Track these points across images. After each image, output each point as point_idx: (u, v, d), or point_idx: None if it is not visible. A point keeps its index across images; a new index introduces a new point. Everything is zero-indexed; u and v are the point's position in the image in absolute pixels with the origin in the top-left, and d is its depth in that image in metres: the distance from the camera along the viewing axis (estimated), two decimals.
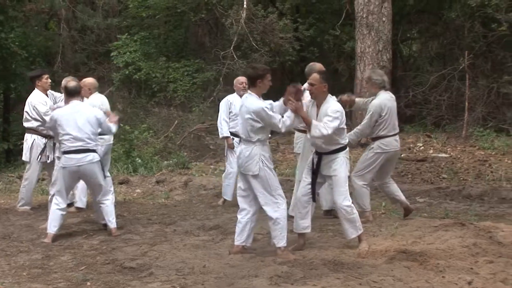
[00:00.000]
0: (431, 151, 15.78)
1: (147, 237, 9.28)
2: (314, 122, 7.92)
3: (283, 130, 7.91)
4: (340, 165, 8.06)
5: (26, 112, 11.36)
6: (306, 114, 8.01)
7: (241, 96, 10.51)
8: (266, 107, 7.80)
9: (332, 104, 8.06)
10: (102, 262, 7.91)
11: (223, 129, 11.71)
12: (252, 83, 7.98)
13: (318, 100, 8.15)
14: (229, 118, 11.69)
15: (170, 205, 12.36)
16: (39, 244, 9.00)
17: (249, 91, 8.00)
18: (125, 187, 13.95)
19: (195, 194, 13.24)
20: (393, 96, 9.89)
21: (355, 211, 8.12)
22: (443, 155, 15.34)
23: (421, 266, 7.13)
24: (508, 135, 16.21)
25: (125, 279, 7.12)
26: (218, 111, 11.99)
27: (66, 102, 9.57)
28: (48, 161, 11.22)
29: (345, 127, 8.16)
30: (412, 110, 18.18)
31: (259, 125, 7.80)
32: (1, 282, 7.10)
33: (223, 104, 11.78)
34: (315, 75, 8.20)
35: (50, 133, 10.50)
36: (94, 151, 9.28)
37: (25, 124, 11.46)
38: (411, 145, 16.15)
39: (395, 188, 10.02)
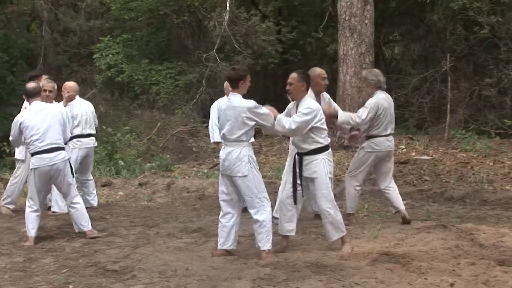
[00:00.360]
0: (413, 154, 15.83)
1: (129, 240, 9.25)
2: (279, 116, 7.92)
3: (279, 129, 7.90)
4: (320, 167, 8.02)
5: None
6: (273, 109, 8.04)
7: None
8: (256, 103, 7.85)
9: (307, 102, 8.07)
10: (85, 264, 7.87)
11: (215, 134, 11.33)
12: (235, 85, 7.96)
13: (297, 99, 8.17)
14: None
15: (152, 207, 12.33)
16: (20, 246, 8.96)
17: (231, 93, 7.99)
18: (108, 190, 13.91)
19: (178, 196, 13.21)
20: (390, 97, 9.90)
21: (338, 213, 8.09)
22: (425, 157, 15.40)
23: (404, 268, 7.15)
24: (490, 138, 16.28)
25: (108, 281, 7.09)
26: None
27: (28, 103, 9.56)
28: None
29: (324, 127, 8.11)
30: (395, 113, 18.14)
31: (252, 123, 7.81)
32: None
33: (213, 108, 11.29)
34: (294, 74, 8.21)
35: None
36: (63, 149, 9.31)
37: None
38: (394, 148, 16.19)
39: (395, 196, 9.90)
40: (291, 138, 8.57)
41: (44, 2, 24.52)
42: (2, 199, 11.63)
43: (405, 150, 16.21)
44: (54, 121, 9.19)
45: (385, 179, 9.91)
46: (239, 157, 7.81)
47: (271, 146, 17.27)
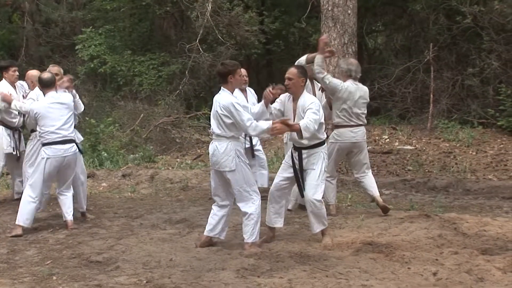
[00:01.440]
0: (396, 144, 15.87)
1: (113, 231, 9.25)
2: (301, 123, 7.76)
3: (251, 131, 7.82)
4: (319, 160, 8.05)
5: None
6: (293, 125, 7.84)
7: (242, 89, 10.41)
8: (237, 103, 7.79)
9: (309, 98, 8.08)
10: (68, 256, 7.86)
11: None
12: (224, 80, 7.95)
13: (296, 94, 8.13)
14: None
15: (136, 198, 12.32)
16: (4, 238, 8.94)
17: (222, 88, 7.98)
18: (91, 181, 13.85)
19: (162, 187, 13.20)
20: (361, 88, 9.75)
21: (323, 207, 8.11)
22: (409, 147, 15.44)
23: (387, 258, 7.18)
24: (472, 127, 16.34)
25: (92, 273, 7.08)
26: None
27: (44, 93, 9.59)
28: (14, 153, 11.11)
29: (323, 121, 8.15)
30: (378, 103, 18.22)
31: (229, 120, 7.78)
32: None
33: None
34: (293, 69, 8.20)
35: (15, 124, 10.44)
36: (75, 141, 9.47)
37: None
38: (377, 138, 16.23)
39: (368, 183, 9.88)
40: (289, 135, 8.50)
41: None
42: None
43: (388, 140, 16.25)
44: (68, 112, 9.38)
45: (359, 169, 9.94)
46: (226, 151, 7.82)
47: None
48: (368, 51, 23.82)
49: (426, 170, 13.59)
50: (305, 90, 8.20)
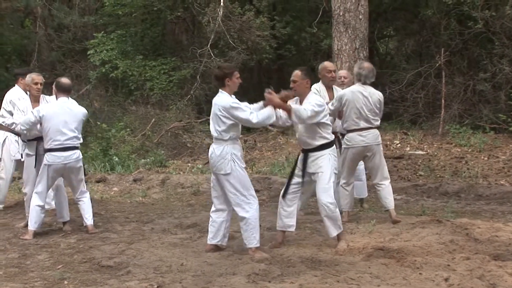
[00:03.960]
0: (408, 149, 15.84)
1: (124, 236, 9.26)
2: (293, 106, 7.91)
3: (254, 121, 7.79)
4: (326, 162, 8.05)
5: (3, 108, 11.30)
6: (281, 102, 7.95)
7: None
8: (234, 101, 7.82)
9: (314, 97, 8.10)
10: (80, 260, 7.87)
11: None
12: (221, 83, 7.96)
13: (301, 96, 8.17)
14: None
15: (147, 203, 12.33)
16: (15, 243, 8.95)
17: (220, 90, 7.99)
18: (102, 186, 13.91)
19: (173, 192, 13.21)
20: (369, 91, 9.59)
21: (337, 209, 8.11)
22: (420, 152, 15.41)
23: (398, 263, 7.16)
24: (484, 132, 16.29)
25: (103, 277, 7.08)
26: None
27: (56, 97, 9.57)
28: (22, 159, 11.14)
29: (329, 123, 8.16)
30: (389, 108, 18.19)
31: (230, 122, 7.79)
32: None
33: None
34: (297, 72, 8.24)
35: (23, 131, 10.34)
36: (78, 148, 9.38)
37: None
38: (388, 143, 16.19)
39: (384, 194, 9.73)
40: (297, 135, 8.51)
41: None
42: None
43: (399, 145, 16.22)
44: (74, 120, 9.28)
45: (375, 175, 9.82)
46: (222, 154, 7.83)
47: (266, 142, 17.26)
48: (379, 56, 23.84)
49: (438, 175, 13.54)
50: (311, 92, 8.21)
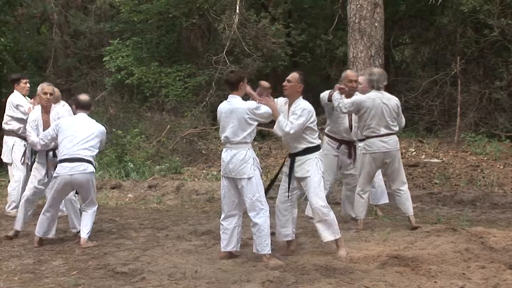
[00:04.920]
0: (423, 156, 15.80)
1: (139, 242, 9.26)
2: (280, 118, 7.97)
3: (270, 112, 7.94)
4: (313, 166, 8.03)
5: (9, 115, 11.41)
6: (276, 106, 8.06)
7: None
8: (254, 102, 7.97)
9: (301, 103, 8.09)
10: (94, 267, 7.88)
11: None
12: (235, 87, 8.04)
13: (291, 98, 8.21)
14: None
15: (162, 210, 12.35)
16: (30, 248, 8.97)
17: (231, 95, 8.04)
18: (117, 192, 13.94)
19: (187, 199, 13.23)
20: (387, 97, 9.68)
21: (331, 213, 8.05)
22: (435, 160, 15.36)
23: (413, 272, 7.13)
24: (500, 141, 16.24)
25: (117, 284, 7.09)
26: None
27: (75, 112, 9.59)
28: (30, 164, 11.19)
29: (316, 128, 8.13)
30: (404, 116, 18.11)
31: (255, 123, 7.89)
32: None
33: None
34: (294, 74, 8.27)
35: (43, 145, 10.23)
36: (89, 161, 9.12)
37: (5, 127, 11.50)
38: (403, 150, 16.14)
39: (403, 200, 9.76)
40: (283, 138, 8.50)
41: (54, 5, 24.60)
42: (7, 206, 11.63)
43: (415, 153, 16.18)
44: (88, 134, 9.14)
45: (394, 180, 9.82)
46: (245, 159, 7.85)
47: (281, 149, 17.24)
48: (395, 63, 23.78)
49: (453, 184, 13.50)
50: (301, 97, 8.20)
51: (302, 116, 7.92)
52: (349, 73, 10.20)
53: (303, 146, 8.06)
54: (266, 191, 8.27)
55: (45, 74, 22.76)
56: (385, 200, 11.06)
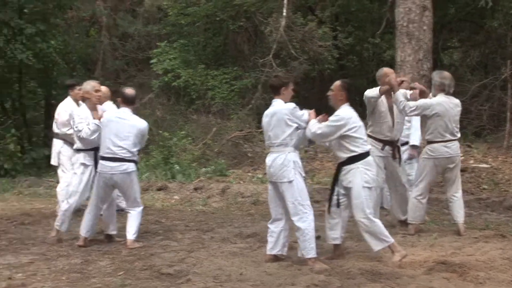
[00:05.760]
0: (471, 162, 15.60)
1: (184, 244, 9.30)
2: (311, 121, 8.05)
3: (308, 133, 8.02)
4: (355, 176, 7.93)
5: (61, 120, 11.44)
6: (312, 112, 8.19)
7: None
8: (295, 107, 7.96)
9: (340, 110, 8.05)
10: (140, 267, 7.93)
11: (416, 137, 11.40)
12: (277, 91, 8.11)
13: (335, 106, 8.18)
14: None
15: (207, 212, 12.38)
16: (78, 248, 9.07)
17: (275, 99, 8.10)
18: (163, 194, 14.02)
19: (233, 201, 13.24)
20: (454, 103, 9.62)
21: (374, 223, 7.93)
22: (484, 165, 15.17)
23: (461, 278, 7.05)
24: None
25: (163, 285, 7.12)
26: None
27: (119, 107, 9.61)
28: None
29: (358, 135, 7.95)
30: None
31: (294, 125, 7.89)
32: (41, 286, 7.15)
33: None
34: (337, 82, 8.25)
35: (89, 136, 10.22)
36: (130, 161, 9.18)
37: (55, 130, 11.50)
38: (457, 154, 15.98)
39: (456, 207, 9.69)
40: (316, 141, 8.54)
41: (103, 8, 24.87)
42: (57, 206, 11.71)
43: (463, 157, 15.96)
44: (128, 131, 9.15)
45: (451, 186, 9.72)
46: (284, 162, 7.85)
47: (326, 153, 17.15)
48: (443, 67, 23.43)
49: (502, 189, 13.32)
50: (345, 105, 8.11)
51: (334, 121, 7.90)
52: (386, 70, 10.06)
53: (345, 155, 8.00)
54: (328, 204, 8.26)
55: (93, 76, 22.96)
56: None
